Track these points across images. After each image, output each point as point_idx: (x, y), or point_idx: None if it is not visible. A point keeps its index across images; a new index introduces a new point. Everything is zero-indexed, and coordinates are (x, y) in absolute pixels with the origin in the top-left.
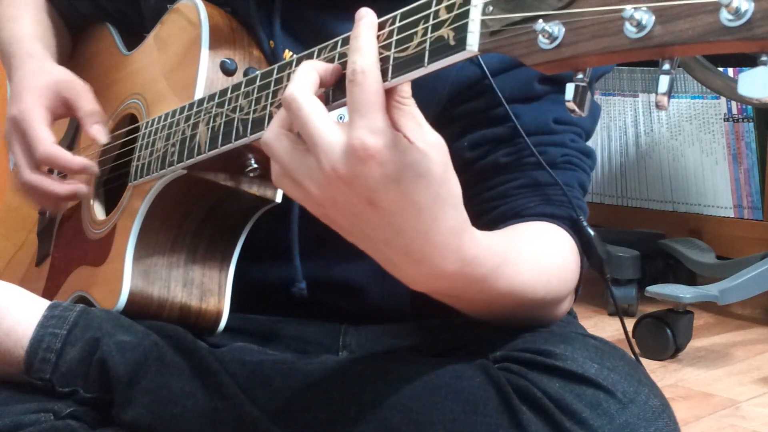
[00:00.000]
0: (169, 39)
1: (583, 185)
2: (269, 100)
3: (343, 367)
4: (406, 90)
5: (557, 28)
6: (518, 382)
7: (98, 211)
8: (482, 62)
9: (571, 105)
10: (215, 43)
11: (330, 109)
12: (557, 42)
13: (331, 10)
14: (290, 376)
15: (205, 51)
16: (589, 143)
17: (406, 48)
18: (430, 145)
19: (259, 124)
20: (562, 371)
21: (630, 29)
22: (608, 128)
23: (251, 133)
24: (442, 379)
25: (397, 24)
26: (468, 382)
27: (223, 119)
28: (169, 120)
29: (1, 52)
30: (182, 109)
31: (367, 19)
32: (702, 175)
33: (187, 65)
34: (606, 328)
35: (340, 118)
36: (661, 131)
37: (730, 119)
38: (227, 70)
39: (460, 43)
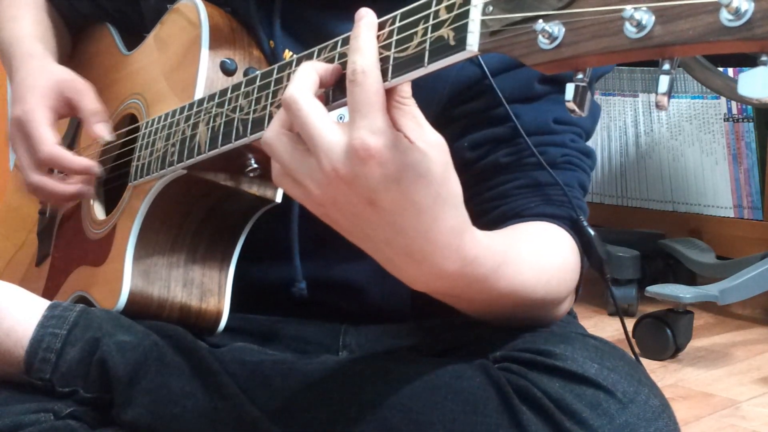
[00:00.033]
0: (169, 39)
1: (584, 185)
2: (269, 100)
3: (343, 367)
4: (406, 90)
5: (557, 28)
6: (518, 382)
7: (98, 211)
8: (482, 62)
9: (571, 105)
10: (215, 43)
11: (330, 109)
12: (557, 42)
13: (331, 10)
14: (290, 376)
15: (205, 51)
16: (589, 143)
17: (406, 48)
18: (431, 145)
19: (259, 124)
20: (562, 371)
21: (630, 29)
22: (608, 128)
23: (251, 133)
24: (442, 379)
25: (397, 24)
26: (468, 382)
27: (223, 119)
28: (169, 120)
29: (1, 52)
30: (182, 109)
31: (367, 19)
32: (702, 175)
33: (187, 65)
34: (606, 328)
35: (340, 118)
36: (661, 131)
37: (730, 119)
38: (227, 70)
39: (460, 43)
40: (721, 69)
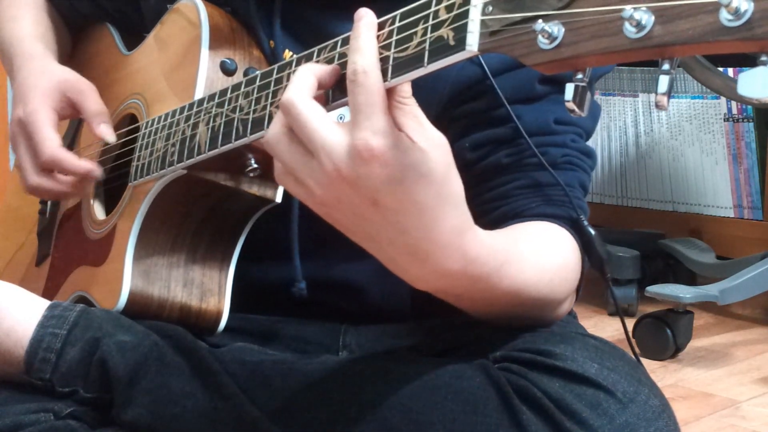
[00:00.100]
0: (169, 39)
1: (584, 185)
2: (269, 100)
3: (343, 367)
4: (406, 90)
5: (557, 28)
6: (518, 382)
7: (98, 211)
8: (483, 62)
9: (571, 105)
10: (215, 43)
11: (330, 110)
12: (557, 42)
13: (331, 10)
14: (290, 376)
15: (205, 51)
16: (589, 143)
17: (406, 48)
18: (432, 145)
19: (259, 124)
20: (562, 371)
21: (630, 29)
22: (608, 128)
23: (251, 133)
24: (442, 379)
25: (397, 24)
26: (468, 382)
27: (223, 119)
28: (169, 120)
29: (1, 52)
30: (182, 109)
31: (366, 19)
32: (702, 175)
33: (187, 65)
34: (606, 328)
35: (341, 118)
36: (661, 131)
37: (730, 119)
38: (227, 70)
39: (460, 43)
40: (721, 69)
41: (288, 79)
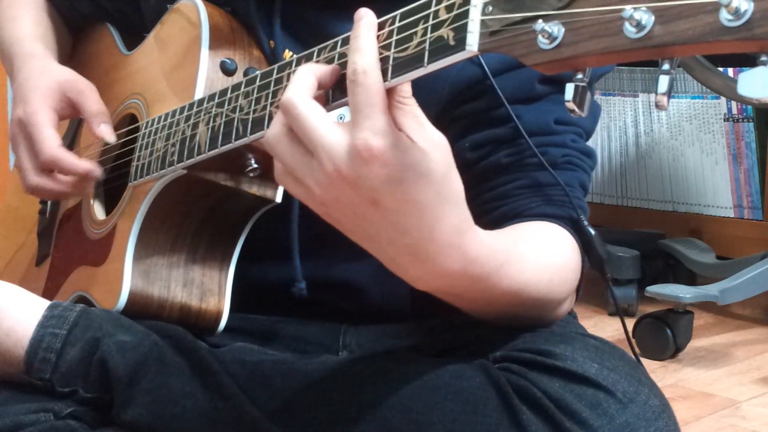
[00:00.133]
0: (169, 39)
1: (584, 185)
2: (269, 100)
3: (343, 367)
4: (406, 90)
5: (557, 28)
6: (518, 382)
7: (98, 211)
8: (483, 62)
9: (571, 105)
10: (215, 43)
11: (329, 110)
12: (557, 42)
13: (331, 10)
14: (290, 376)
15: (205, 51)
16: (589, 143)
17: (406, 48)
18: (432, 144)
19: (259, 124)
20: (562, 371)
21: (630, 29)
22: (608, 128)
23: (251, 133)
24: (442, 379)
25: (397, 24)
26: (468, 382)
27: (223, 119)
28: (169, 120)
29: (1, 52)
30: (182, 109)
31: (366, 19)
32: (702, 175)
33: (187, 65)
34: (606, 328)
35: (341, 118)
36: (661, 131)
37: (730, 119)
38: (227, 70)
39: (460, 43)
40: (721, 69)
41: (288, 79)
